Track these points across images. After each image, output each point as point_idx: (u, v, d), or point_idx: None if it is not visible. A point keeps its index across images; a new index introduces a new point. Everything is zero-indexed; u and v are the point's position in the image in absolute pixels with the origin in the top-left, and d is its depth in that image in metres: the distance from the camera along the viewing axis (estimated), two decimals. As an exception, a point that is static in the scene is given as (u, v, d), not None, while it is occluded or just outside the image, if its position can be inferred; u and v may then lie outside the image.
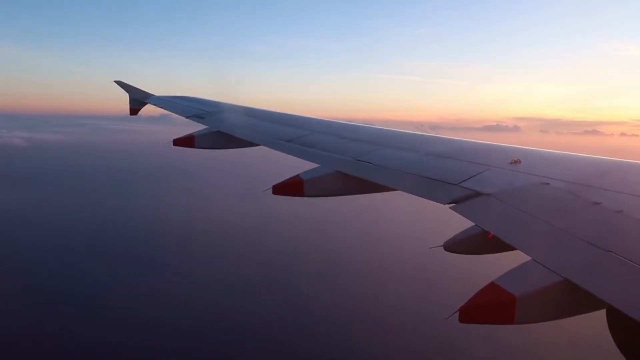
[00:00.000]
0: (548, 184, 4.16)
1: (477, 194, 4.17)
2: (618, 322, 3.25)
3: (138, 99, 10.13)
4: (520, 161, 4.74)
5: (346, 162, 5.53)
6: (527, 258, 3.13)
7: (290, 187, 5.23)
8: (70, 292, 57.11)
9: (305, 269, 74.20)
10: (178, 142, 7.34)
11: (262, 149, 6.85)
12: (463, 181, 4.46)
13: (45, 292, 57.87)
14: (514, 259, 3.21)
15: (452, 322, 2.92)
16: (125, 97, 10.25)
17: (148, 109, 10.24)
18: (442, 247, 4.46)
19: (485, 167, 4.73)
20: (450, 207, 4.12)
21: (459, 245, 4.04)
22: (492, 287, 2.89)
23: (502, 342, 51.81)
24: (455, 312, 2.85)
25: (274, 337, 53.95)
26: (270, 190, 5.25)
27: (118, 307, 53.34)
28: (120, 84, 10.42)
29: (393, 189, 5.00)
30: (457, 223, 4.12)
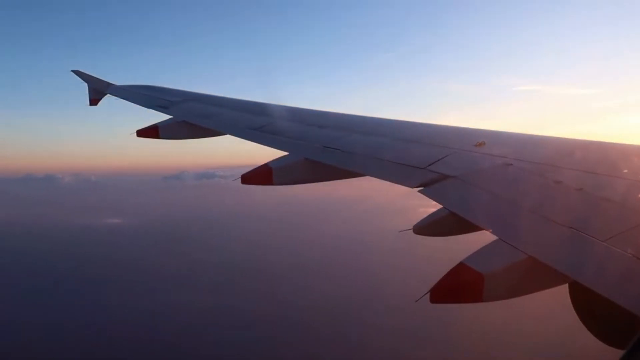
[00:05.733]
0: (511, 164, 4.26)
1: (444, 177, 4.23)
2: (580, 294, 3.39)
3: (97, 89, 9.75)
4: (484, 143, 4.83)
5: (315, 149, 5.51)
6: (493, 237, 3.21)
7: (259, 176, 5.18)
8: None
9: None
10: (142, 133, 7.13)
11: (229, 138, 6.74)
12: (430, 164, 4.52)
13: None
14: (482, 239, 3.28)
15: (424, 302, 2.97)
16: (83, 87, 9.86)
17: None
18: (412, 230, 4.52)
19: (452, 150, 4.80)
20: (418, 191, 4.17)
21: (428, 227, 4.10)
22: (461, 267, 2.96)
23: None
24: (426, 293, 2.90)
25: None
26: (239, 180, 5.19)
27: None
28: (78, 73, 10.00)
29: (362, 175, 5.02)
30: (426, 206, 4.19)
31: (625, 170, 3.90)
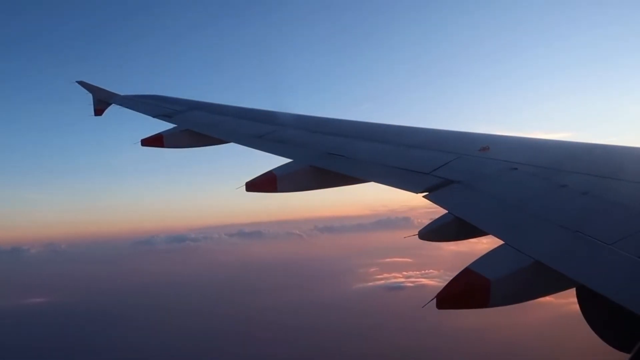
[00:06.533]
0: (516, 169, 4.26)
1: (449, 182, 4.24)
2: (587, 298, 3.38)
3: (102, 99, 9.81)
4: (489, 148, 4.83)
5: (319, 156, 5.52)
6: (499, 242, 3.21)
7: (263, 184, 5.19)
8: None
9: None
10: (147, 142, 7.17)
11: (233, 146, 6.74)
12: (435, 170, 4.53)
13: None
14: (488, 243, 3.28)
15: (430, 308, 2.97)
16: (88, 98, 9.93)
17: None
18: (417, 236, 4.52)
19: (456, 155, 4.81)
20: (423, 196, 4.18)
21: (433, 232, 4.10)
22: (467, 272, 2.95)
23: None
24: (433, 299, 2.90)
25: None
26: (244, 187, 5.19)
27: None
28: (82, 84, 10.08)
29: (367, 181, 5.02)
30: (430, 211, 4.18)
31: (631, 173, 3.89)
